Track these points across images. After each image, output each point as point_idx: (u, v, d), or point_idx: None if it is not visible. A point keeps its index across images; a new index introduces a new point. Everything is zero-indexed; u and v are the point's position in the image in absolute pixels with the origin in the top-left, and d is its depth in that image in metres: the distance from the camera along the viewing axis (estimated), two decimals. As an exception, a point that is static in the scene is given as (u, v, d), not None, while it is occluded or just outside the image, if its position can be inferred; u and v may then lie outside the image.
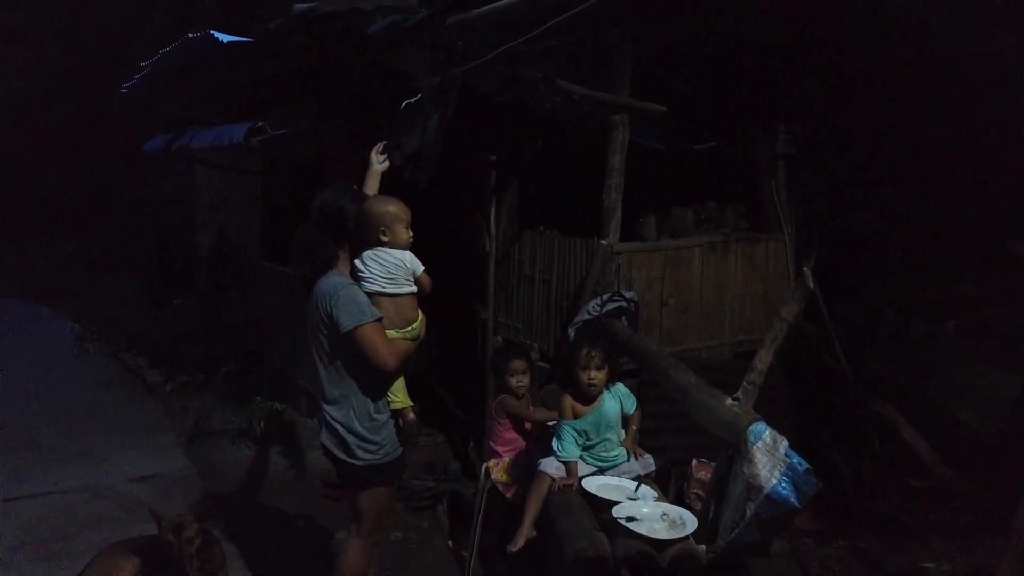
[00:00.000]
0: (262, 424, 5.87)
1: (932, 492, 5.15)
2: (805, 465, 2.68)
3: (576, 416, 3.41)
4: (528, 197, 6.11)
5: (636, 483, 3.26)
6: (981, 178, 4.64)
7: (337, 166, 5.43)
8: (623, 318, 4.91)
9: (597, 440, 3.43)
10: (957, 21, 4.53)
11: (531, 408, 4.04)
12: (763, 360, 2.88)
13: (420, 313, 2.99)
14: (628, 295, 4.91)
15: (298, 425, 6.25)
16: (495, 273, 5.79)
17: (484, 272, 5.83)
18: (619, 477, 3.38)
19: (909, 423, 5.46)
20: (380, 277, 2.85)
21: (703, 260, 5.59)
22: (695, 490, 4.38)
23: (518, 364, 3.93)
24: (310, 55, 4.85)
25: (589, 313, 4.81)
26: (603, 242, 4.98)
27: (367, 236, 2.87)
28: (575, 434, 3.39)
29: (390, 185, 3.31)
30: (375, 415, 2.88)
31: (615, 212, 5.02)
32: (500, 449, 4.00)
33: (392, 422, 2.98)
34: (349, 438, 2.83)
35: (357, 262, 2.91)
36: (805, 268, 2.67)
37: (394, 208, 2.89)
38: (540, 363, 5.52)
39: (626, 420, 3.53)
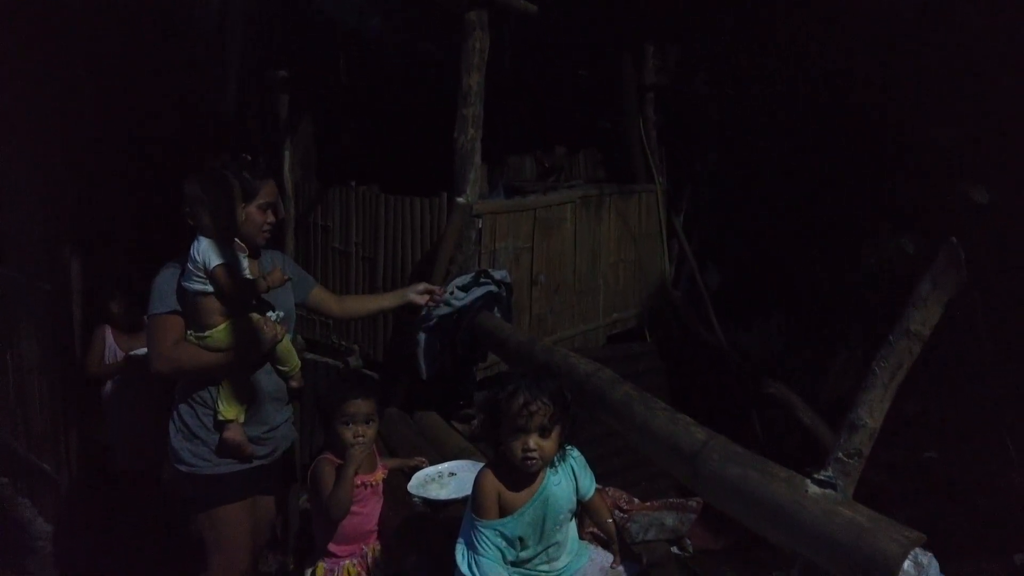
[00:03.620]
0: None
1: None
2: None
3: (504, 512, 1.93)
4: (332, 142, 4.39)
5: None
6: (914, 107, 3.79)
7: None
8: (495, 308, 3.49)
9: (540, 548, 1.99)
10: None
11: (382, 464, 2.53)
12: (877, 409, 1.60)
13: (224, 319, 2.45)
14: (499, 275, 3.50)
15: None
16: (295, 249, 4.03)
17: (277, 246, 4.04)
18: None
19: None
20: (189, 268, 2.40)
21: (576, 221, 4.29)
22: (590, 528, 3.15)
23: (359, 406, 2.32)
24: None
25: (449, 304, 3.34)
26: (460, 200, 3.47)
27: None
28: (503, 543, 1.92)
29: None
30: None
31: (473, 156, 3.53)
32: (333, 547, 2.39)
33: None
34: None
35: None
36: (953, 239, 1.41)
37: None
38: (362, 369, 4.00)
39: (583, 505, 2.13)
